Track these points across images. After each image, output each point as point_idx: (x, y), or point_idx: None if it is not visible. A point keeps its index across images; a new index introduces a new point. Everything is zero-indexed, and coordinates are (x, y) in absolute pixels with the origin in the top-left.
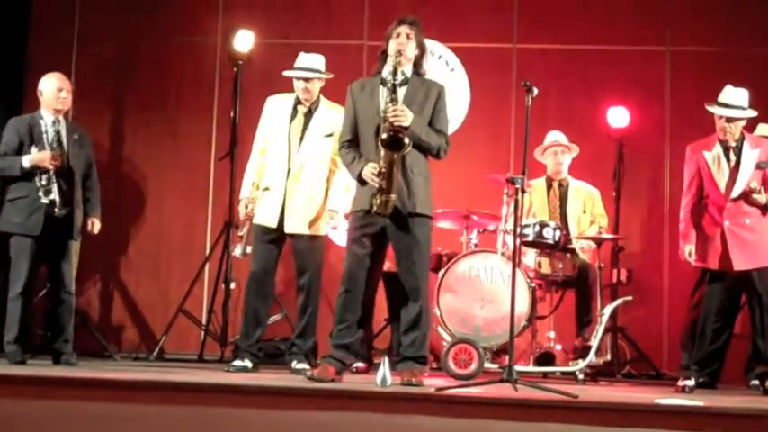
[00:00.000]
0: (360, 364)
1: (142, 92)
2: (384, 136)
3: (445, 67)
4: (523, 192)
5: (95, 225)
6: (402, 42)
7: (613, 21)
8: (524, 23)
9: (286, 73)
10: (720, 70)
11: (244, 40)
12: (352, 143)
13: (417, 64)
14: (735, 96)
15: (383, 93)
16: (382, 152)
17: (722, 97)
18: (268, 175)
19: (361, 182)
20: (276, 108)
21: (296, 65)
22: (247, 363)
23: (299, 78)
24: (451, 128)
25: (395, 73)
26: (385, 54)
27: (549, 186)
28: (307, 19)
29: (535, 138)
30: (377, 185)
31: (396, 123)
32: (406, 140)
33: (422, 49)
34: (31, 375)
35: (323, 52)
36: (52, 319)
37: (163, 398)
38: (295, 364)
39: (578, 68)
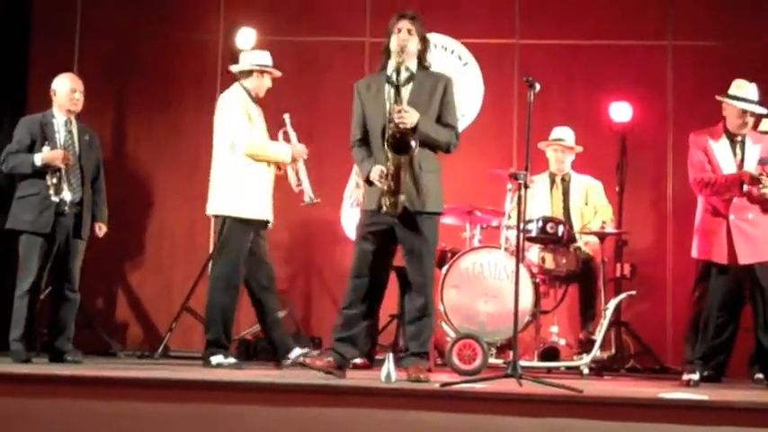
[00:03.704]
0: (358, 360)
1: (144, 90)
2: (389, 139)
3: (458, 62)
4: (526, 187)
5: (102, 229)
6: (404, 38)
7: (615, 15)
8: (526, 19)
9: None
10: (722, 64)
11: (245, 38)
12: (362, 142)
13: (421, 57)
14: (753, 92)
15: (389, 92)
16: (389, 154)
17: (741, 92)
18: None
19: (369, 182)
20: None
21: None
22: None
23: None
24: (465, 122)
25: (398, 72)
26: (388, 50)
27: (553, 181)
28: (308, 16)
29: (538, 133)
30: (385, 187)
31: (401, 125)
32: (413, 143)
33: (425, 42)
34: (36, 374)
35: (325, 49)
36: (55, 317)
37: (167, 395)
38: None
39: (580, 63)
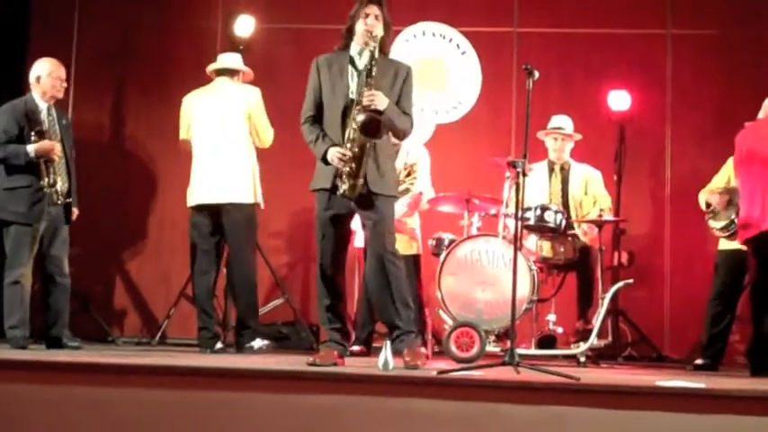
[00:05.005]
0: (356, 348)
1: (143, 77)
2: (362, 119)
3: (456, 50)
4: (524, 175)
5: (74, 213)
6: (373, 24)
7: (614, 4)
8: (524, 7)
9: None
10: (721, 53)
11: (244, 25)
12: (315, 119)
13: (383, 43)
14: None
15: (352, 74)
16: (353, 135)
17: None
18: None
19: (325, 161)
20: None
21: None
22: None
23: None
24: (462, 111)
25: (371, 57)
26: (350, 31)
27: (551, 170)
28: (307, 3)
29: (536, 122)
30: (346, 169)
31: (371, 107)
32: (383, 129)
33: (388, 29)
34: (34, 360)
35: (324, 37)
36: (49, 304)
37: (165, 382)
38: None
39: (579, 52)
